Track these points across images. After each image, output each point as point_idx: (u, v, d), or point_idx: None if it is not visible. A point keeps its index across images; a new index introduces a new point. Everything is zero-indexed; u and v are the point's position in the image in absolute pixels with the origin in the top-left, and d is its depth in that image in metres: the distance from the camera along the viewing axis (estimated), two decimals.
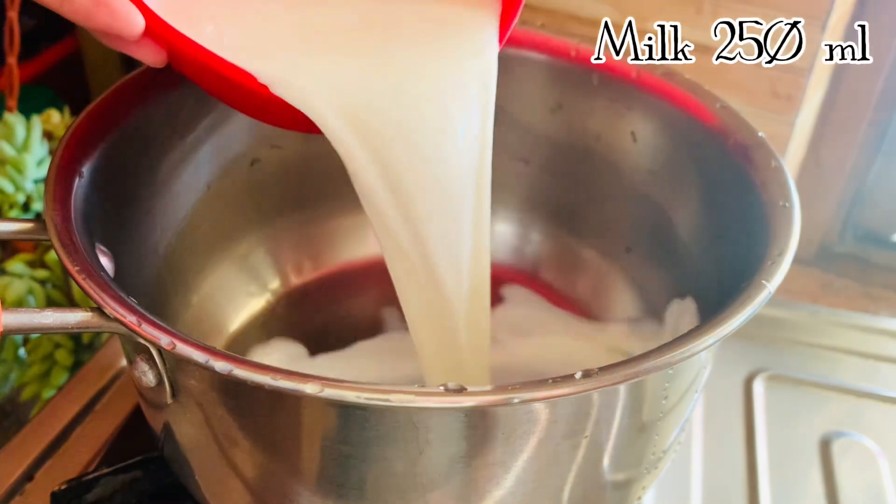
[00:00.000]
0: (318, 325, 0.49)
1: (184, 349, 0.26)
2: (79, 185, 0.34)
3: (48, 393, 0.56)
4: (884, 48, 0.57)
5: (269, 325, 0.49)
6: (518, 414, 0.28)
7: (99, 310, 0.28)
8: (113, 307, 0.28)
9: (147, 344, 0.28)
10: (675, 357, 0.28)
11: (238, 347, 0.47)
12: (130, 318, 0.27)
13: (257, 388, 0.26)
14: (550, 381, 0.26)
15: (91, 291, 0.28)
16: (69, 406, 0.48)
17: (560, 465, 0.31)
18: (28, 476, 0.44)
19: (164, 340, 0.27)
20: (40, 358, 0.57)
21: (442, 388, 0.26)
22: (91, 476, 0.40)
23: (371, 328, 0.48)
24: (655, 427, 0.33)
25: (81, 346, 0.58)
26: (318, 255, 0.52)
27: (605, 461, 0.32)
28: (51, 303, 0.58)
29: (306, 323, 0.49)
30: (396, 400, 0.25)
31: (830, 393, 0.51)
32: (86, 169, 0.35)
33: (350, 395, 0.25)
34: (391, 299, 0.36)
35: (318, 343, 0.47)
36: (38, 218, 0.35)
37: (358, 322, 0.49)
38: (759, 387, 0.51)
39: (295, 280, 0.51)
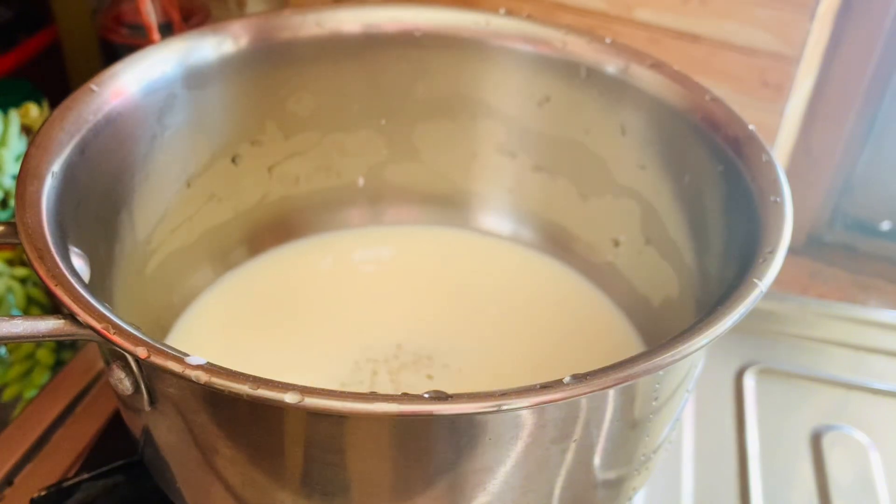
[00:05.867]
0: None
1: (159, 358, 0.26)
2: (51, 185, 0.33)
3: (30, 393, 0.55)
4: (873, 37, 0.56)
5: None
6: (505, 420, 0.27)
7: (72, 317, 0.28)
8: (85, 315, 0.27)
9: (122, 352, 0.27)
10: (665, 360, 0.27)
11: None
12: (104, 326, 0.27)
13: (237, 397, 0.25)
14: (539, 386, 0.26)
15: (63, 298, 0.27)
16: (50, 408, 0.47)
17: (549, 470, 0.30)
18: (7, 481, 0.43)
19: (139, 349, 0.26)
20: (22, 357, 0.56)
21: (426, 395, 0.25)
22: (72, 482, 0.40)
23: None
24: (646, 428, 0.33)
25: (63, 344, 0.57)
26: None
27: (595, 463, 0.32)
28: (31, 302, 0.57)
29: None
30: (379, 409, 0.24)
31: (821, 386, 0.51)
32: (58, 168, 0.34)
33: (331, 405, 0.25)
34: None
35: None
36: (11, 219, 0.34)
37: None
38: (749, 380, 0.51)
39: None
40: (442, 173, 0.52)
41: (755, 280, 0.30)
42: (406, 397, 0.25)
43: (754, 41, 0.53)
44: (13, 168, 0.57)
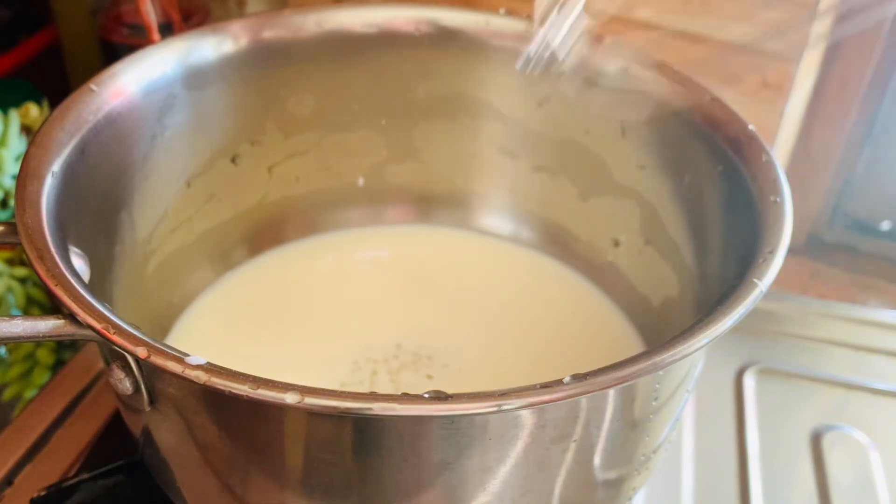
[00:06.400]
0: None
1: (159, 358, 0.26)
2: (51, 185, 0.33)
3: (30, 393, 0.55)
4: (873, 36, 0.56)
5: None
6: (505, 420, 0.27)
7: (72, 317, 0.28)
8: (85, 315, 0.27)
9: (122, 352, 0.27)
10: (665, 360, 0.27)
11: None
12: (104, 326, 0.27)
13: (237, 397, 0.25)
14: (539, 386, 0.26)
15: (63, 298, 0.27)
16: (50, 408, 0.47)
17: (549, 470, 0.30)
18: (8, 481, 0.43)
19: (139, 349, 0.26)
20: (22, 357, 0.56)
21: (426, 395, 0.25)
22: (72, 482, 0.40)
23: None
24: (646, 428, 0.33)
25: (63, 343, 0.57)
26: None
27: (595, 463, 0.32)
28: (31, 301, 0.57)
29: None
30: (379, 409, 0.24)
31: (821, 386, 0.51)
32: (58, 168, 0.34)
33: (331, 405, 0.25)
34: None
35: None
36: (11, 219, 0.34)
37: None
38: (749, 380, 0.51)
39: None
40: (442, 173, 0.52)
41: (755, 280, 0.30)
42: (406, 397, 0.25)
43: (754, 41, 0.53)
44: (13, 168, 0.57)
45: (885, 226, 0.65)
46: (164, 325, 0.45)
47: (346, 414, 0.25)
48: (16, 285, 0.55)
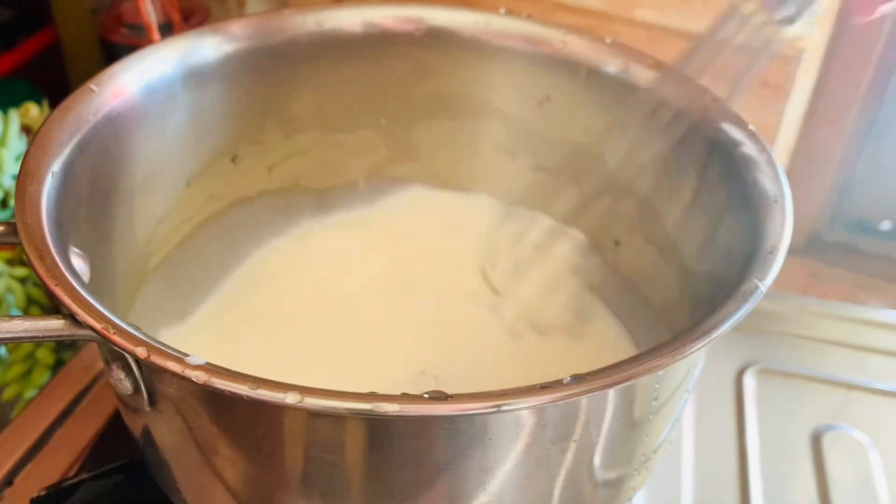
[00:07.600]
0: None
1: (159, 358, 0.26)
2: (51, 185, 0.33)
3: (30, 393, 0.55)
4: (873, 37, 0.56)
5: None
6: (505, 420, 0.27)
7: (72, 317, 0.28)
8: (85, 315, 0.27)
9: (122, 352, 0.27)
10: (665, 360, 0.27)
11: None
12: (103, 326, 0.27)
13: (237, 397, 0.25)
14: (539, 386, 0.26)
15: (63, 298, 0.27)
16: (50, 407, 0.47)
17: (548, 470, 0.30)
18: (7, 481, 0.43)
19: (139, 349, 0.26)
20: (22, 357, 0.56)
21: (426, 395, 0.25)
22: (71, 481, 0.40)
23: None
24: (645, 428, 0.33)
25: (63, 343, 0.57)
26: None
27: (595, 463, 0.32)
28: (31, 302, 0.57)
29: None
30: (379, 409, 0.24)
31: (821, 385, 0.51)
32: (58, 167, 0.34)
33: (331, 405, 0.25)
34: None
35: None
36: (11, 219, 0.34)
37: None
38: (749, 380, 0.51)
39: None
40: (442, 173, 0.52)
41: (755, 280, 0.30)
42: (406, 397, 0.25)
43: None
44: (13, 168, 0.57)
45: (885, 226, 0.65)
46: (163, 325, 0.45)
47: (346, 414, 0.25)
48: (16, 285, 0.55)
